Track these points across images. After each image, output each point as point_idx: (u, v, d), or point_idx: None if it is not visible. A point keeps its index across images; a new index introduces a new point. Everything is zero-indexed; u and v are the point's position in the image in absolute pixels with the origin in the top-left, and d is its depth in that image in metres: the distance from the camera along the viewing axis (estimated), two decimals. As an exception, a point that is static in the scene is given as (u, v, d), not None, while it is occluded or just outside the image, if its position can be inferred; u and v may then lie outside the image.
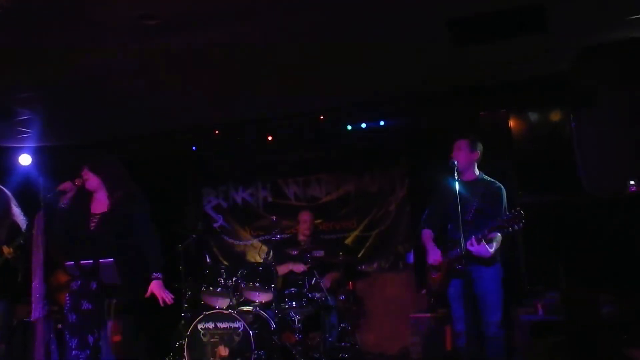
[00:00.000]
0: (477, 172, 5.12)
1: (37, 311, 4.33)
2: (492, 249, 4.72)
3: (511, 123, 6.80)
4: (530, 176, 6.53)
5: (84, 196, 4.57)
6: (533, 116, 6.83)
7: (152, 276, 4.47)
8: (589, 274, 5.86)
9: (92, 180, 4.57)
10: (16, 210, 5.68)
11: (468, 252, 4.64)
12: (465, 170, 5.05)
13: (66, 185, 4.49)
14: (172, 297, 4.57)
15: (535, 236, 6.40)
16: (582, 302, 5.58)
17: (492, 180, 5.08)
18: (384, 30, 4.95)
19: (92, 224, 4.49)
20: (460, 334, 4.88)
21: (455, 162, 4.75)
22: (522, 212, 4.49)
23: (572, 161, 6.21)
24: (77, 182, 4.53)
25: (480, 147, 5.09)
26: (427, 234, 5.18)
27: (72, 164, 4.75)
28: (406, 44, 5.27)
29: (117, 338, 4.37)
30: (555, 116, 6.69)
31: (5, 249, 5.33)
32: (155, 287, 4.48)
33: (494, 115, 6.95)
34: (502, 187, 5.02)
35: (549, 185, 6.35)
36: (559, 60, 5.81)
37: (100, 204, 4.59)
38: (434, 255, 5.03)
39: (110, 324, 4.38)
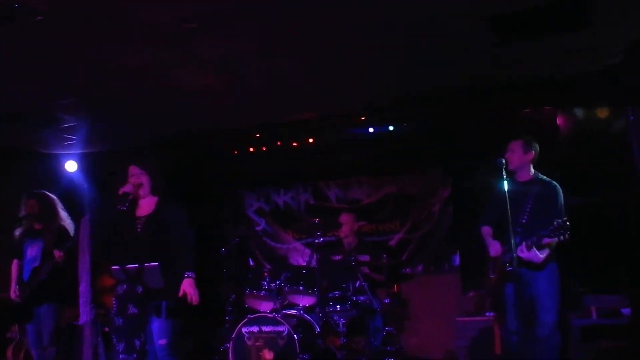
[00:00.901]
0: (532, 172, 5.00)
1: (84, 315, 4.38)
2: (543, 255, 4.62)
3: (557, 121, 6.64)
4: (577, 176, 6.37)
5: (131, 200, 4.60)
6: (579, 114, 6.65)
7: (185, 275, 4.47)
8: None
9: (139, 179, 4.62)
10: (63, 215, 5.79)
11: (519, 257, 4.58)
12: (519, 170, 4.97)
13: (127, 187, 4.53)
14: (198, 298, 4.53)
15: (584, 238, 6.25)
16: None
17: (549, 180, 4.95)
18: (425, 28, 4.88)
19: (138, 227, 4.52)
20: (513, 334, 4.81)
21: (503, 162, 4.65)
22: (567, 222, 4.39)
23: (621, 160, 6.05)
24: (133, 181, 4.56)
25: (536, 147, 4.98)
26: (486, 231, 5.12)
27: (117, 167, 4.79)
28: (449, 41, 5.19)
29: (163, 341, 4.37)
30: (603, 113, 6.50)
31: (57, 253, 5.43)
32: (187, 286, 4.46)
33: (539, 113, 6.81)
34: (558, 187, 4.88)
35: (596, 185, 6.19)
36: (606, 56, 5.66)
37: (144, 206, 4.62)
38: (495, 248, 4.95)
39: (156, 327, 4.39)
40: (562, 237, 4.42)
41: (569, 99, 6.55)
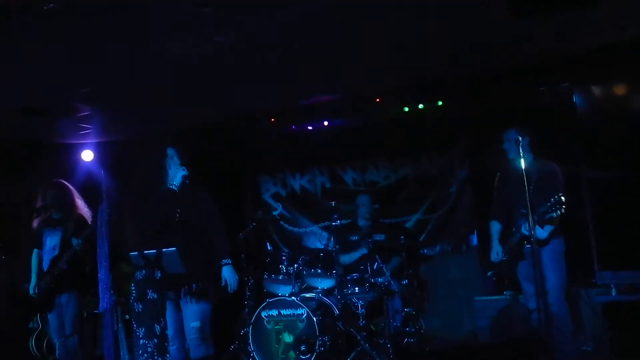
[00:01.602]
0: (530, 156, 5.16)
1: (104, 302, 4.41)
2: (547, 231, 4.87)
3: (575, 98, 6.56)
4: (596, 152, 6.31)
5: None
6: (597, 90, 6.57)
7: (222, 262, 4.51)
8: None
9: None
10: (81, 204, 5.83)
11: (525, 236, 4.86)
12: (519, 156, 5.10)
13: None
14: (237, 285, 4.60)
15: (604, 214, 6.20)
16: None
17: (548, 161, 5.17)
18: (440, 6, 4.81)
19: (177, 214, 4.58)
20: (531, 312, 4.93)
21: (520, 138, 4.66)
22: (562, 198, 4.62)
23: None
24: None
25: (528, 132, 5.16)
26: (494, 228, 5.35)
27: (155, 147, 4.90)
28: (464, 19, 5.11)
29: (196, 324, 4.42)
30: (621, 89, 6.41)
31: (76, 241, 5.47)
32: (228, 273, 4.52)
33: (556, 91, 6.72)
34: (557, 168, 5.11)
35: (616, 160, 6.13)
36: (624, 30, 5.55)
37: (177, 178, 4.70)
38: (493, 255, 5.26)
39: (189, 310, 4.43)
40: (558, 212, 4.66)
41: (588, 74, 6.46)
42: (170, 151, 4.82)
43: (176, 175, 4.71)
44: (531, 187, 4.82)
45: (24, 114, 6.50)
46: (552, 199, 4.66)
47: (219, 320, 7.13)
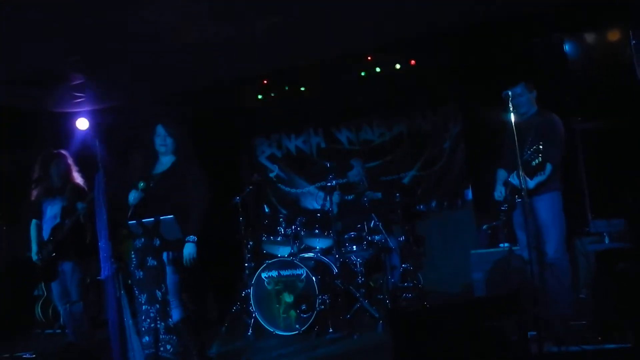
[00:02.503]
0: (535, 107, 5.23)
1: (105, 270, 4.49)
2: (534, 181, 4.86)
3: (566, 48, 6.54)
4: (589, 101, 6.32)
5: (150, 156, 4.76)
6: (589, 39, 6.55)
7: (188, 238, 4.60)
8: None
9: (164, 141, 4.84)
10: (77, 173, 5.87)
11: (515, 187, 4.87)
12: (527, 109, 5.22)
13: None
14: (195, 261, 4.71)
15: (596, 163, 6.25)
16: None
17: (551, 113, 5.17)
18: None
19: (151, 184, 4.64)
20: (527, 263, 4.94)
21: (509, 94, 4.66)
22: (540, 147, 4.63)
23: (631, 85, 5.97)
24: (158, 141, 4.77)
25: (534, 87, 5.23)
26: (500, 174, 5.34)
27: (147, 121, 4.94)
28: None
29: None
30: (613, 36, 6.39)
31: (80, 205, 5.55)
32: (187, 249, 4.63)
33: (548, 42, 6.70)
34: (557, 118, 5.11)
35: (609, 109, 6.14)
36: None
37: (162, 164, 4.76)
38: (497, 193, 5.25)
39: (175, 279, 4.53)
40: (535, 162, 4.68)
41: (576, 25, 6.43)
42: (160, 130, 4.87)
43: (166, 161, 4.87)
44: (530, 139, 4.85)
45: (17, 83, 6.50)
46: (532, 148, 4.69)
47: (220, 283, 7.30)
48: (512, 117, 4.60)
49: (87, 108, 7.87)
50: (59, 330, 7.28)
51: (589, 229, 6.17)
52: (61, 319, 6.45)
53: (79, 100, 7.49)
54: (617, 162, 6.02)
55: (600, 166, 6.20)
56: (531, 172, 4.81)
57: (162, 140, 4.83)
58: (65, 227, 5.62)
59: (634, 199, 5.81)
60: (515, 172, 4.79)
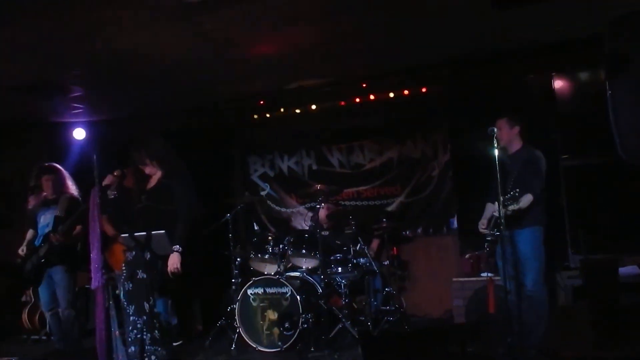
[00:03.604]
0: (521, 143, 5.36)
1: (96, 280, 4.61)
2: (510, 210, 4.85)
3: (555, 85, 6.72)
4: (576, 139, 6.48)
5: (139, 176, 4.89)
6: (577, 78, 6.73)
7: (174, 249, 4.70)
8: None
9: (151, 170, 4.96)
10: (72, 187, 6.02)
11: (499, 220, 4.84)
12: (509, 144, 5.34)
13: (108, 179, 4.80)
14: (179, 271, 4.77)
15: (580, 200, 6.39)
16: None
17: (534, 149, 5.30)
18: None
19: (143, 199, 4.79)
20: (508, 293, 4.98)
21: (494, 130, 4.80)
22: (517, 194, 4.77)
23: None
24: (117, 173, 4.84)
25: (519, 121, 5.34)
26: (489, 209, 5.42)
27: (125, 144, 5.06)
28: (447, 8, 5.25)
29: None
30: (601, 77, 6.55)
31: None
32: (171, 259, 4.72)
33: (539, 78, 6.88)
34: (541, 155, 5.23)
35: (595, 147, 6.29)
36: (601, 22, 5.69)
37: (152, 181, 4.90)
38: (480, 226, 5.35)
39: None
40: (514, 205, 4.80)
41: (566, 63, 6.62)
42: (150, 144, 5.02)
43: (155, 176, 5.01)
44: (515, 173, 5.04)
45: (17, 92, 6.62)
46: (510, 193, 4.82)
47: (207, 297, 7.40)
48: (496, 152, 4.76)
49: (84, 119, 7.99)
50: (44, 337, 7.36)
51: (568, 263, 6.32)
52: (47, 326, 6.53)
53: (77, 111, 7.61)
54: (597, 199, 6.19)
55: (580, 203, 6.36)
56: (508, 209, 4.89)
57: (150, 169, 4.97)
58: (58, 232, 5.74)
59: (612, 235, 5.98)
60: (496, 203, 4.87)
